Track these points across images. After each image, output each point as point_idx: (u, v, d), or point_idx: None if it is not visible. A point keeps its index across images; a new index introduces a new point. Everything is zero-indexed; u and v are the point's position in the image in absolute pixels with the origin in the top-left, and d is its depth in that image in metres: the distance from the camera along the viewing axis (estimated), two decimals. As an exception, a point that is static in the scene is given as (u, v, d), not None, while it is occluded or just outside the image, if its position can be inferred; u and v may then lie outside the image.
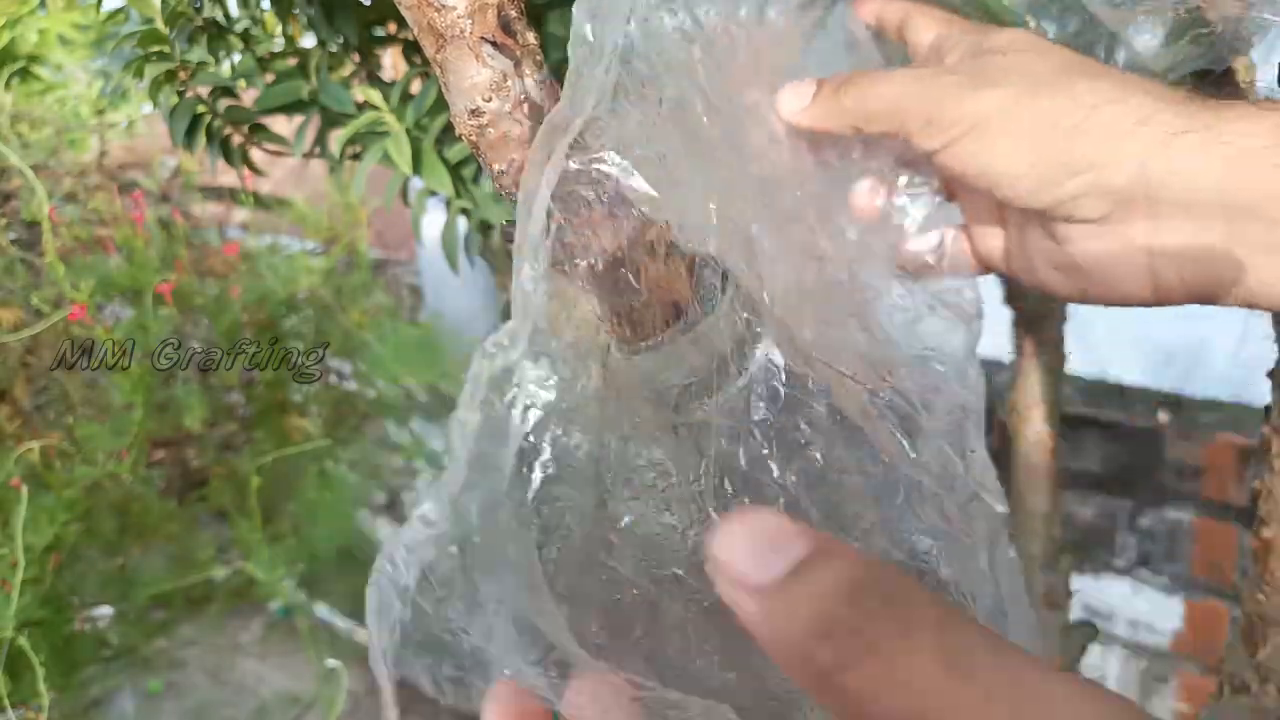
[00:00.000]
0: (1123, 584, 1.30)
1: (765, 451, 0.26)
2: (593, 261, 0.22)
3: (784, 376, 0.25)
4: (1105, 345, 1.25)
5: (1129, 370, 1.26)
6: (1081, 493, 1.32)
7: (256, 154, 0.72)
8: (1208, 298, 0.32)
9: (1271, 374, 0.47)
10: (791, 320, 0.25)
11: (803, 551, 0.18)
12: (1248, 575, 0.49)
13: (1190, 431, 1.23)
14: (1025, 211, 0.34)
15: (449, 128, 0.62)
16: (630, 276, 0.22)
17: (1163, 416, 1.24)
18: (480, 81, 0.21)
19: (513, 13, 0.21)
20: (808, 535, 0.18)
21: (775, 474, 0.26)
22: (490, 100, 0.20)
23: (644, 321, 0.23)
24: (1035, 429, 0.95)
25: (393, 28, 0.68)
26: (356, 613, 2.06)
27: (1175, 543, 1.26)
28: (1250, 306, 0.33)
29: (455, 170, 0.62)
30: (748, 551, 0.18)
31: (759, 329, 0.24)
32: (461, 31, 0.21)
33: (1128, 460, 1.29)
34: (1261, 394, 0.50)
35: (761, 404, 0.25)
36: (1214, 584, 1.23)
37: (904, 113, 0.34)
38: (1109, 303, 0.35)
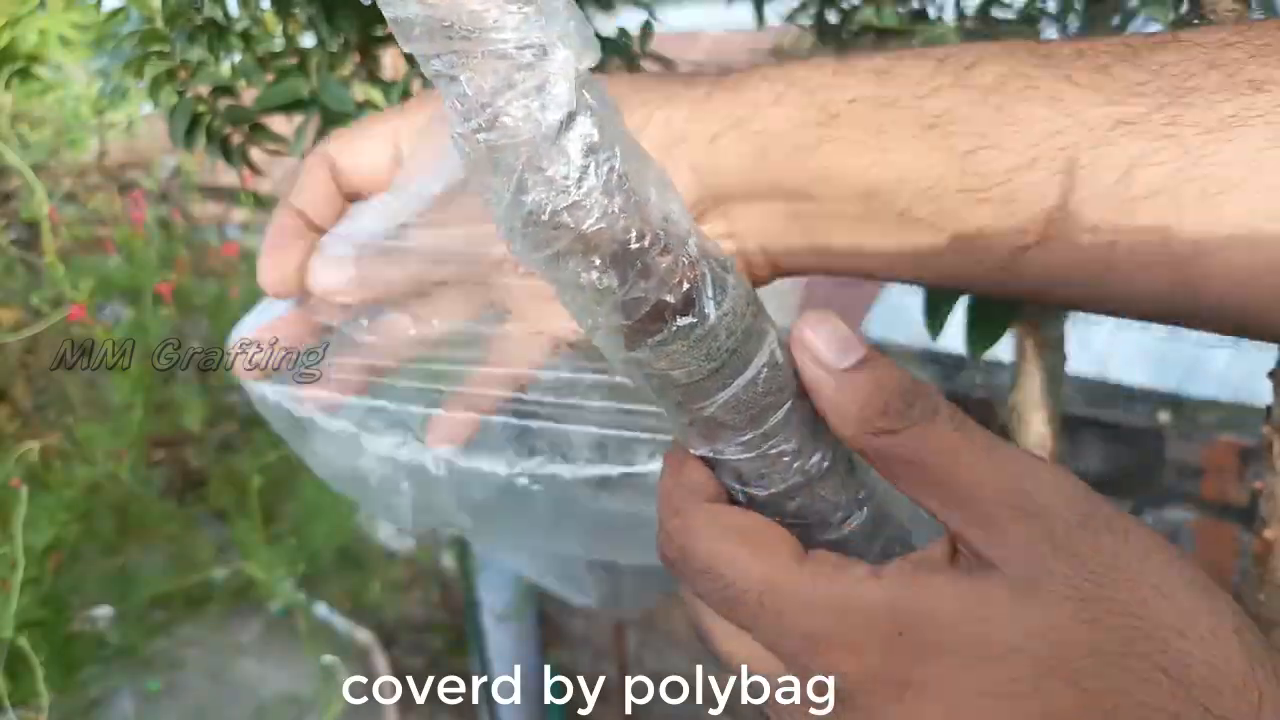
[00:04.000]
0: (1123, 584, 1.30)
1: None
2: (604, 253, 0.22)
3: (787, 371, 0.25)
4: (1106, 346, 1.25)
5: (1130, 371, 1.26)
6: (1082, 493, 1.32)
7: (256, 153, 0.72)
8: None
9: (1272, 374, 0.47)
10: None
11: (863, 352, 0.25)
12: (1248, 575, 0.49)
13: (1190, 432, 1.23)
14: None
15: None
16: (640, 269, 0.22)
17: (1163, 417, 1.24)
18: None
19: None
20: (864, 343, 0.25)
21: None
22: None
23: (651, 315, 0.23)
24: (1036, 430, 0.95)
25: (393, 27, 0.67)
26: (356, 613, 2.06)
27: (1175, 543, 1.26)
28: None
29: (455, 170, 0.62)
30: (828, 342, 0.25)
31: (764, 325, 0.25)
32: None
33: (1128, 460, 1.29)
34: (1262, 394, 0.50)
35: (768, 398, 0.25)
36: (1214, 584, 1.23)
37: None
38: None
